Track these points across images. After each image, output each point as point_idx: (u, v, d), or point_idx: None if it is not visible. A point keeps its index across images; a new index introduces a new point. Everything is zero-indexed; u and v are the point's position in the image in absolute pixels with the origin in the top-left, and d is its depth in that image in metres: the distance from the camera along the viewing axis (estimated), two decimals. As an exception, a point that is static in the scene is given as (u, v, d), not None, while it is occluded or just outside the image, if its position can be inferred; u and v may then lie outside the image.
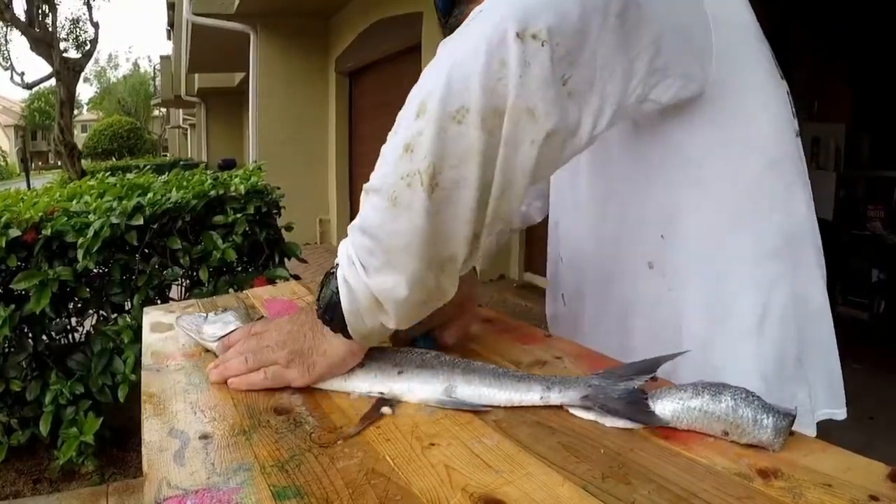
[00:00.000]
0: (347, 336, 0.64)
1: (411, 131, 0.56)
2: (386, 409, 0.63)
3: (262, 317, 0.84)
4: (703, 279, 0.77)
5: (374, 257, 0.59)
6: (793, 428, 0.53)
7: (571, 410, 0.61)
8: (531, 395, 0.62)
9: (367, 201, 0.60)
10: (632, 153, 0.80)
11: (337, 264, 0.64)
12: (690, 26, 0.69)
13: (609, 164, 0.83)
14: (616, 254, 0.86)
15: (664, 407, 0.57)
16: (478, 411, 0.62)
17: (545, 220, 1.07)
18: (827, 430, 0.76)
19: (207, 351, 0.81)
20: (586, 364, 0.74)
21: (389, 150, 0.59)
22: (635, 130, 0.78)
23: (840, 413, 0.80)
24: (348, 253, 0.62)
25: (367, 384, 0.67)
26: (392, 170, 0.57)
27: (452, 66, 0.55)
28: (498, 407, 0.63)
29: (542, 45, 0.54)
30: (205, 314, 0.83)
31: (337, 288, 0.63)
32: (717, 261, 0.76)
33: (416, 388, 0.65)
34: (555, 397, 0.61)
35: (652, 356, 0.63)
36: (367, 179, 0.61)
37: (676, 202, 0.77)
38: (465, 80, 0.54)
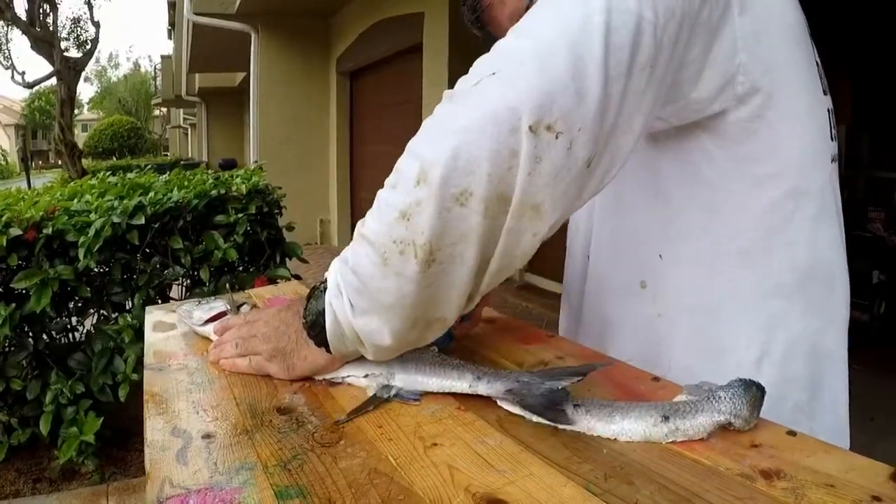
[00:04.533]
0: (329, 351, 0.66)
1: (409, 199, 0.53)
2: (382, 393, 0.65)
3: (252, 304, 0.84)
4: (696, 308, 0.74)
5: (361, 300, 0.59)
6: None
7: (499, 402, 0.63)
8: (460, 384, 0.65)
9: (359, 244, 0.59)
10: (644, 164, 0.75)
11: (325, 282, 0.64)
12: (712, 56, 0.63)
13: (622, 173, 0.80)
14: (611, 267, 0.83)
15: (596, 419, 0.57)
16: (478, 412, 0.62)
17: None
18: (828, 431, 0.75)
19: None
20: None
21: (385, 207, 0.56)
22: (653, 141, 0.74)
23: None
24: (337, 281, 0.62)
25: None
26: (386, 230, 0.55)
27: (460, 142, 0.51)
28: (432, 393, 0.65)
29: (557, 138, 0.51)
30: (198, 301, 0.89)
31: (323, 309, 0.63)
32: (715, 291, 0.72)
33: (361, 373, 0.69)
34: (482, 388, 0.64)
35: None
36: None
37: (681, 223, 0.73)
38: (471, 163, 0.51)
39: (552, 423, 0.58)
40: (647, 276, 0.77)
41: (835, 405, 0.76)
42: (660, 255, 0.76)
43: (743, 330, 0.72)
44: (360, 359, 0.70)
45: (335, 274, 0.63)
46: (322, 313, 0.63)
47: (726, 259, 0.72)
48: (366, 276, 0.58)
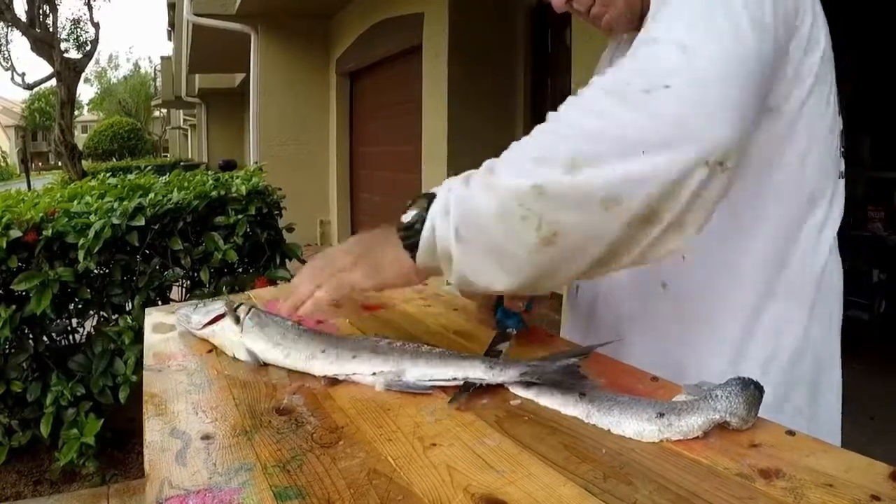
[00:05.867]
0: (412, 258, 0.64)
1: (552, 178, 0.53)
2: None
3: (251, 306, 0.84)
4: (713, 310, 0.76)
5: (468, 232, 0.59)
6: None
7: (512, 389, 0.64)
8: (473, 372, 0.65)
9: (483, 187, 0.58)
10: None
11: (433, 193, 0.63)
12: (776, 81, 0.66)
13: None
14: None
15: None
16: (477, 412, 0.62)
17: None
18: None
19: (209, 352, 0.81)
20: (589, 364, 0.74)
21: (523, 167, 0.56)
22: None
23: None
24: (447, 201, 0.61)
25: (325, 367, 0.72)
26: (514, 187, 0.55)
27: (631, 158, 0.51)
28: (443, 387, 0.66)
29: (724, 172, 0.52)
30: (195, 303, 0.88)
31: (423, 217, 0.62)
32: (732, 294, 0.75)
33: (368, 371, 0.70)
34: (496, 375, 0.65)
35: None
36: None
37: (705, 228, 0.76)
38: (633, 184, 0.51)
39: (572, 392, 0.61)
40: (668, 277, 0.79)
41: (830, 409, 0.78)
42: (683, 257, 0.76)
43: (755, 332, 0.74)
44: (367, 356, 0.71)
45: (445, 191, 0.62)
46: (421, 221, 0.62)
47: (744, 263, 0.74)
48: (479, 216, 0.58)
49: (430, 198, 0.64)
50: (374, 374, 0.69)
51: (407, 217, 0.65)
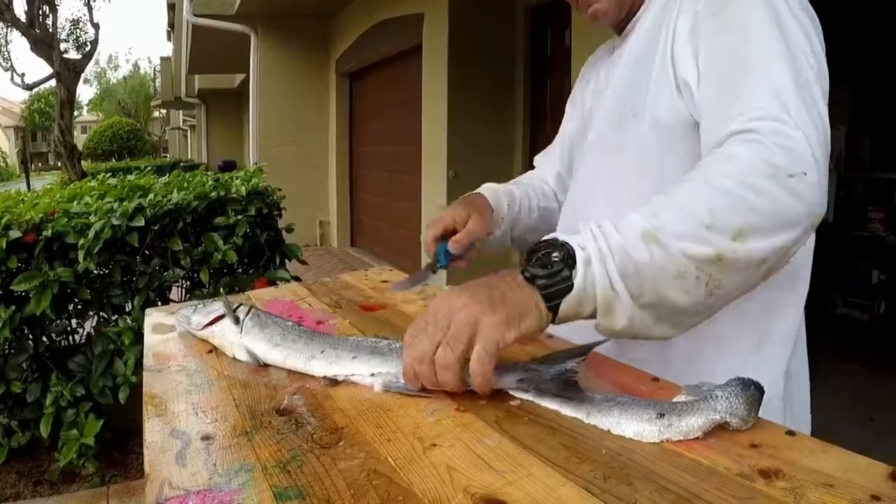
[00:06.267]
0: (549, 309, 0.63)
1: (724, 246, 0.60)
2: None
3: (250, 306, 0.83)
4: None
5: (634, 289, 0.61)
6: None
7: (511, 392, 0.65)
8: (470, 380, 0.63)
9: (645, 233, 0.61)
10: (678, 174, 0.75)
11: (566, 242, 0.63)
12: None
13: (656, 179, 0.82)
14: None
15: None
16: (477, 412, 0.62)
17: None
18: (827, 430, 0.76)
19: (209, 352, 0.81)
20: (588, 366, 0.74)
21: (695, 232, 0.61)
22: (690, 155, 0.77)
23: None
24: (603, 250, 0.62)
25: (324, 368, 0.72)
26: (695, 254, 0.61)
27: (783, 234, 0.62)
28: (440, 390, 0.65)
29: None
30: (195, 304, 0.88)
31: (569, 274, 0.62)
32: None
33: (367, 371, 0.70)
34: (493, 381, 0.64)
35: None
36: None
37: None
38: (781, 251, 0.62)
39: (568, 400, 0.62)
40: None
41: (801, 390, 0.86)
42: None
43: (741, 319, 0.79)
44: (367, 356, 0.71)
45: (597, 242, 0.62)
46: (568, 276, 0.62)
47: None
48: (650, 273, 0.61)
49: (562, 246, 0.63)
50: (372, 374, 0.69)
51: (548, 270, 0.62)
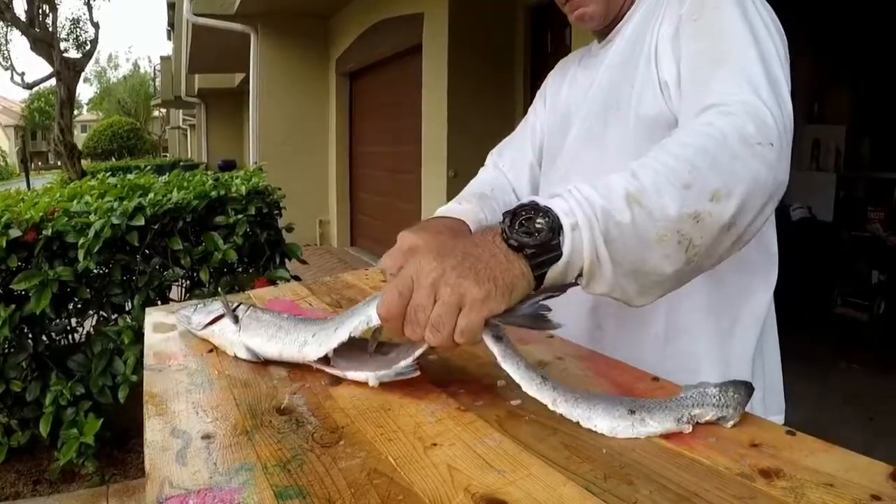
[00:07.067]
0: (532, 270, 0.60)
1: (702, 207, 0.62)
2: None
3: (250, 306, 0.83)
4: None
5: (616, 256, 0.61)
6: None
7: (487, 343, 0.62)
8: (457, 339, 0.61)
9: (628, 194, 0.61)
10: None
11: (547, 207, 0.61)
12: None
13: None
14: None
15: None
16: (478, 412, 0.62)
17: None
18: (827, 430, 0.76)
19: (209, 351, 0.81)
20: (588, 365, 0.74)
21: (675, 193, 0.62)
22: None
23: (778, 419, 0.89)
24: (589, 217, 0.60)
25: (317, 350, 0.72)
26: (676, 216, 0.61)
27: (752, 197, 0.64)
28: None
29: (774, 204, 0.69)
30: (195, 304, 0.88)
31: (558, 242, 0.60)
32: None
33: (346, 336, 0.70)
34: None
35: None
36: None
37: None
38: (748, 213, 0.64)
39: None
40: None
41: (772, 367, 0.91)
42: None
43: (717, 304, 0.84)
44: (346, 322, 0.71)
45: (581, 207, 0.61)
46: (557, 245, 0.60)
47: None
48: (632, 236, 0.61)
49: (546, 212, 0.61)
50: (351, 336, 0.69)
51: (533, 231, 0.60)
